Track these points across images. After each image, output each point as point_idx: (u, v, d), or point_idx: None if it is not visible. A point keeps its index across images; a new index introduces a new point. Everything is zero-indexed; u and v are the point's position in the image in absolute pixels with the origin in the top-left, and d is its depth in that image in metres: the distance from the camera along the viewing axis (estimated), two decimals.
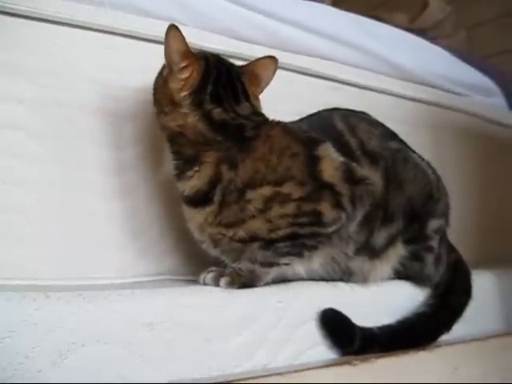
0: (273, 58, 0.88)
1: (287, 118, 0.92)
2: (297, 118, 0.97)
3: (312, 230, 0.83)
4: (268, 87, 0.90)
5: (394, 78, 1.35)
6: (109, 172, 0.94)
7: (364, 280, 0.92)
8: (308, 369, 0.79)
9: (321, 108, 1.01)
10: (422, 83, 1.41)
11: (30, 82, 0.86)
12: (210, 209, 0.83)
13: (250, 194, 0.81)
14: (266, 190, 0.81)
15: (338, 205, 0.83)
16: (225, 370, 0.75)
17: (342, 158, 0.86)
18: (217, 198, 0.82)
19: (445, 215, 1.00)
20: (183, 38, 0.81)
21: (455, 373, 0.94)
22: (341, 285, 0.91)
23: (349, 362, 0.82)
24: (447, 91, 1.47)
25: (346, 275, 0.91)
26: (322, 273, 0.90)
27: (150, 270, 0.97)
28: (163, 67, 0.86)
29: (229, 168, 0.81)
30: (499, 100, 1.64)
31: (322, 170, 0.84)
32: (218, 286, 0.81)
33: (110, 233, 0.92)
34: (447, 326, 0.96)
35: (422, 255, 0.95)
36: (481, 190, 1.49)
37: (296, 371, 0.77)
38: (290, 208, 0.81)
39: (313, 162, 0.84)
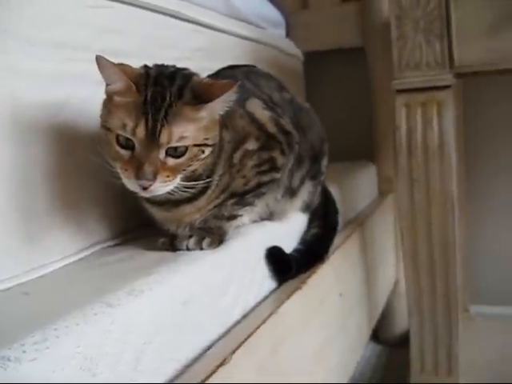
0: None
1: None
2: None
3: (271, 176, 0.96)
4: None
5: (227, 15, 1.41)
6: None
7: (283, 216, 1.08)
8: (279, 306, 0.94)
9: None
10: (245, 20, 1.52)
11: None
12: (206, 195, 0.86)
13: (234, 159, 0.87)
14: (239, 151, 0.88)
15: (282, 152, 0.97)
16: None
17: (269, 112, 0.97)
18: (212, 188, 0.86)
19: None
20: None
21: None
22: (267, 223, 1.05)
23: (299, 288, 1.01)
24: (258, 26, 1.61)
25: (270, 216, 1.05)
26: (255, 218, 1.02)
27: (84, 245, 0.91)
28: None
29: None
30: (282, 31, 1.87)
31: (264, 124, 0.93)
32: (201, 248, 0.86)
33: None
34: (332, 240, 1.21)
35: (317, 188, 1.16)
36: None
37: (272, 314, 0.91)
38: (254, 159, 0.92)
39: (252, 117, 0.93)
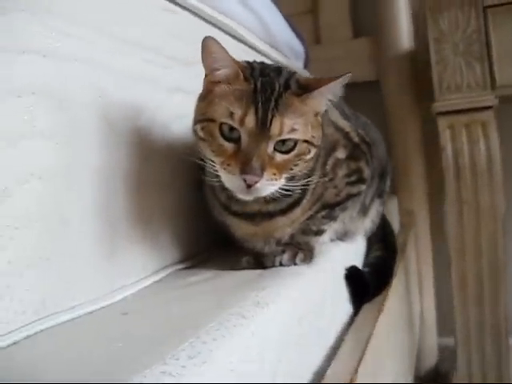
0: None
1: None
2: None
3: (358, 188, 0.90)
4: None
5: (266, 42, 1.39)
6: None
7: (354, 236, 1.02)
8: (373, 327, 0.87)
9: None
10: (278, 48, 1.50)
11: None
12: (301, 206, 0.80)
13: (327, 167, 0.82)
14: (331, 159, 0.82)
15: (367, 162, 0.92)
16: None
17: (348, 122, 0.92)
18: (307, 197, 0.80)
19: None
20: None
21: None
22: (341, 243, 0.99)
23: (381, 310, 0.94)
24: (286, 56, 1.59)
25: (343, 235, 0.99)
26: (333, 237, 0.96)
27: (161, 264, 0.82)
28: None
29: None
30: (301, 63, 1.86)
31: (349, 132, 0.89)
32: (295, 264, 0.79)
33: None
34: (395, 263, 1.14)
35: (382, 207, 1.10)
36: None
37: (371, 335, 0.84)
38: (344, 168, 0.86)
39: (336, 125, 0.88)
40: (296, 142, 0.69)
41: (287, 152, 0.69)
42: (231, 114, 0.67)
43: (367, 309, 0.95)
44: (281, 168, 0.69)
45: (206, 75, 0.74)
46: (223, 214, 0.82)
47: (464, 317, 1.37)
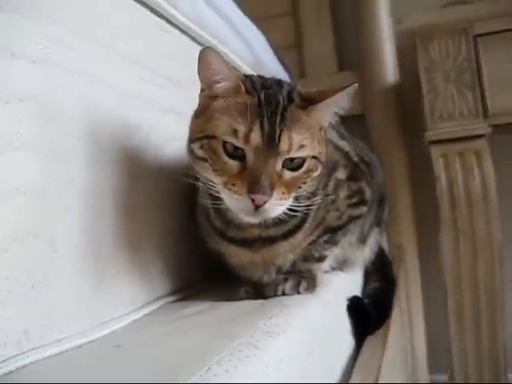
0: None
1: None
2: None
3: (360, 210, 0.85)
4: None
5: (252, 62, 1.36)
6: None
7: (353, 265, 0.97)
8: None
9: None
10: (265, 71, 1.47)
11: None
12: (303, 230, 0.75)
13: (329, 188, 0.77)
14: (332, 180, 0.78)
15: (368, 183, 0.87)
16: None
17: (346, 142, 0.89)
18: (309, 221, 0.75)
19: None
20: None
21: None
22: (340, 273, 0.94)
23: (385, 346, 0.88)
24: None
25: (342, 264, 0.94)
26: (333, 264, 0.91)
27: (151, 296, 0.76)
28: None
29: None
30: None
31: (348, 151, 0.85)
32: (298, 293, 0.73)
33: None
34: (394, 294, 1.09)
35: (381, 236, 1.06)
36: None
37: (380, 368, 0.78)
38: (345, 190, 0.82)
39: (335, 145, 0.84)
40: (305, 159, 0.65)
41: (296, 169, 0.64)
42: (234, 132, 0.62)
43: (370, 342, 0.89)
44: (289, 186, 0.64)
45: (201, 90, 0.69)
46: (218, 241, 0.76)
47: (461, 349, 1.32)
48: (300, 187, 0.66)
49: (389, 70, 1.92)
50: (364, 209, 0.86)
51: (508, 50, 1.30)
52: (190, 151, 0.68)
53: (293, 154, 0.63)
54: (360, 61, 1.97)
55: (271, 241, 0.73)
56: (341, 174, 0.81)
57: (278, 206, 0.63)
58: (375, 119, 1.95)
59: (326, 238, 0.80)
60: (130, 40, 0.74)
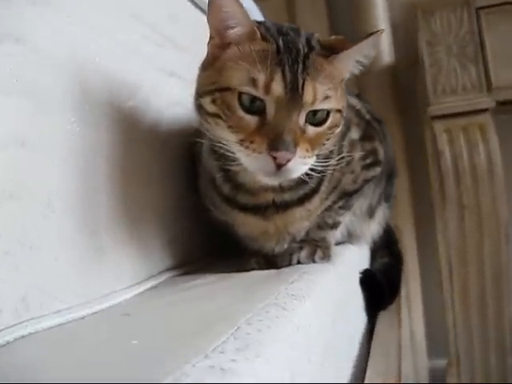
0: None
1: None
2: None
3: (374, 171, 0.80)
4: None
5: None
6: None
7: (360, 240, 0.92)
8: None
9: None
10: None
11: None
12: (319, 193, 0.70)
13: (344, 149, 0.73)
14: (346, 140, 0.74)
15: (380, 141, 0.82)
16: None
17: (358, 100, 0.85)
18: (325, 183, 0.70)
19: None
20: None
21: None
22: (349, 246, 0.89)
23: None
24: None
25: (348, 238, 0.89)
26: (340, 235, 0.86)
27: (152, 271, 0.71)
28: None
29: None
30: None
31: (359, 109, 0.81)
32: (314, 262, 0.69)
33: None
34: (402, 269, 1.05)
35: (389, 213, 1.01)
36: None
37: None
38: (359, 150, 0.76)
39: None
40: (329, 112, 0.59)
41: (320, 124, 0.59)
42: (253, 81, 0.56)
43: (384, 318, 0.85)
44: (313, 143, 0.58)
45: (210, 38, 0.62)
46: (225, 210, 0.71)
47: (467, 329, 1.29)
48: (324, 144, 0.60)
49: (384, 50, 1.88)
50: (378, 170, 0.81)
51: (508, 22, 1.26)
52: (199, 107, 0.62)
53: (317, 106, 0.58)
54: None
55: (286, 206, 0.68)
56: (354, 134, 0.76)
57: (301, 164, 0.57)
58: (371, 100, 1.91)
59: (340, 203, 0.75)
60: None
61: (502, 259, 1.23)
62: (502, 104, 1.28)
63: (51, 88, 0.53)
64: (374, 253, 1.05)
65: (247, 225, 0.71)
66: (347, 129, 0.74)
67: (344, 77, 0.64)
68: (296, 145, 0.55)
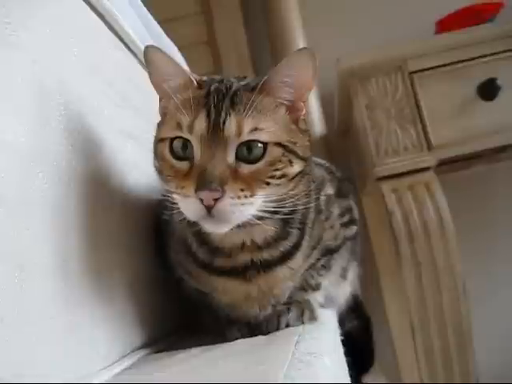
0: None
1: None
2: None
3: (351, 230, 0.79)
4: None
5: None
6: None
7: (335, 303, 0.88)
8: None
9: None
10: None
11: None
12: (302, 249, 0.66)
13: (321, 203, 0.72)
14: (322, 195, 0.72)
15: (354, 199, 0.82)
16: None
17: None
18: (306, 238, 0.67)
19: None
20: None
21: None
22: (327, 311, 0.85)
23: None
24: None
25: (325, 302, 0.85)
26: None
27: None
28: None
29: None
30: None
31: (329, 166, 0.82)
32: (302, 323, 0.64)
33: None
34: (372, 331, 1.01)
35: (358, 272, 0.98)
36: None
37: None
38: (336, 207, 0.75)
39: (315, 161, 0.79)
40: (265, 147, 0.56)
41: (255, 161, 0.55)
42: (179, 125, 0.56)
43: None
44: (250, 182, 0.54)
45: (160, 100, 0.63)
46: (203, 276, 0.65)
47: None
48: (268, 183, 0.56)
49: (315, 122, 1.93)
50: (355, 228, 0.79)
51: (441, 84, 1.34)
52: (155, 167, 0.61)
53: (245, 138, 0.55)
54: None
55: (267, 266, 0.63)
56: (329, 190, 0.75)
57: (238, 206, 0.53)
58: None
59: (323, 261, 0.71)
60: (90, 50, 0.65)
61: (461, 312, 1.23)
62: (444, 163, 1.33)
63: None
64: (343, 316, 1.00)
65: (228, 290, 0.65)
66: (322, 184, 0.72)
67: (277, 103, 0.60)
68: (224, 183, 0.52)
